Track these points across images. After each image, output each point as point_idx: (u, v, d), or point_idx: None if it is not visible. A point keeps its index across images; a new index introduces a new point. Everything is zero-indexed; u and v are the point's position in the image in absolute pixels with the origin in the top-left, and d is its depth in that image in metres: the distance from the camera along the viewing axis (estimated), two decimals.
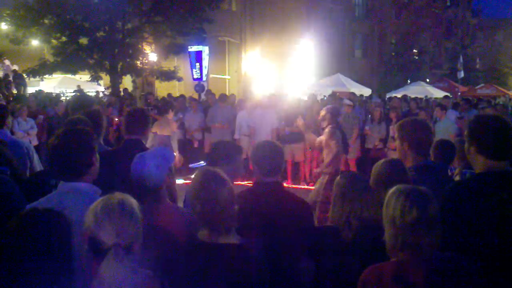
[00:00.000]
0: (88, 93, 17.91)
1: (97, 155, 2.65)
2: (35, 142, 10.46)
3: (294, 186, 10.43)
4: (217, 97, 12.68)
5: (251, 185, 3.30)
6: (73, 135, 2.59)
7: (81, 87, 20.70)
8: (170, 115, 9.39)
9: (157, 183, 2.85)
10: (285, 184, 8.90)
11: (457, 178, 4.48)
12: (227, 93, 16.15)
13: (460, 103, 14.19)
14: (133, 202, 2.05)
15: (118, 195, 2.04)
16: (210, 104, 12.89)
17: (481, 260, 2.30)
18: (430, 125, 3.38)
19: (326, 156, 6.89)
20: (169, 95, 18.07)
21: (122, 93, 18.19)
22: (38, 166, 4.48)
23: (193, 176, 2.66)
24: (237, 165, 3.43)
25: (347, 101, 11.96)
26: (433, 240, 2.15)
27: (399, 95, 20.79)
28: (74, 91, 19.58)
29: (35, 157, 4.48)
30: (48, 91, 19.16)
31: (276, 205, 3.08)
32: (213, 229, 2.49)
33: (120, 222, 1.94)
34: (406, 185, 2.31)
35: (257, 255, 2.53)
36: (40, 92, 17.95)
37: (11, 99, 15.90)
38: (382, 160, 3.23)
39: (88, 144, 2.59)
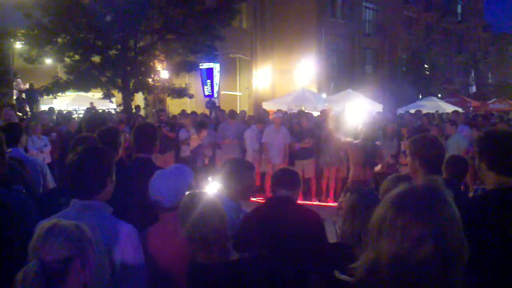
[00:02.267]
0: (99, 110, 18.09)
1: (114, 177, 2.63)
2: (48, 159, 10.54)
3: (305, 202, 10.39)
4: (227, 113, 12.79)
5: (264, 200, 3.33)
6: (91, 154, 2.58)
7: (94, 104, 20.90)
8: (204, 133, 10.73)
9: (173, 202, 2.84)
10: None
11: (470, 195, 4.44)
12: (238, 110, 16.24)
13: (474, 118, 14.12)
14: (68, 225, 1.93)
15: (56, 219, 1.97)
16: (220, 121, 12.96)
17: (492, 278, 2.28)
18: (441, 142, 3.37)
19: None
20: (183, 111, 18.18)
21: (134, 110, 18.34)
22: (51, 183, 4.52)
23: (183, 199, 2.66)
24: (250, 182, 3.45)
25: None
26: None
27: (411, 111, 20.73)
28: (87, 108, 19.78)
29: (48, 174, 4.53)
30: (60, 109, 19.36)
31: (287, 219, 3.10)
32: (206, 250, 2.50)
33: (45, 240, 1.86)
34: None
35: (254, 271, 2.52)
36: (51, 109, 18.14)
37: (25, 117, 16.09)
38: (391, 176, 3.23)
39: (105, 165, 2.57)
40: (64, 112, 17.66)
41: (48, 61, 18.82)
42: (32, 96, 18.94)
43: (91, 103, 20.80)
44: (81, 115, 17.54)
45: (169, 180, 2.86)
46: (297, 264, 3.00)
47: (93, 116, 5.89)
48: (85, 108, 20.19)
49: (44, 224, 1.93)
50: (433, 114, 19.61)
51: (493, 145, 2.58)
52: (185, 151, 11.96)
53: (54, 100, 20.56)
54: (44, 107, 19.56)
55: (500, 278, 2.35)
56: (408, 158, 3.34)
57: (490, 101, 34.80)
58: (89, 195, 2.51)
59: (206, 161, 11.95)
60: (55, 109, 18.91)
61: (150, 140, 4.06)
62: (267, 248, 2.90)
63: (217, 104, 20.54)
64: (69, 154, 2.67)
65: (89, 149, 2.66)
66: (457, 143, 9.87)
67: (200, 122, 11.49)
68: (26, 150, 9.23)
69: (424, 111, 20.19)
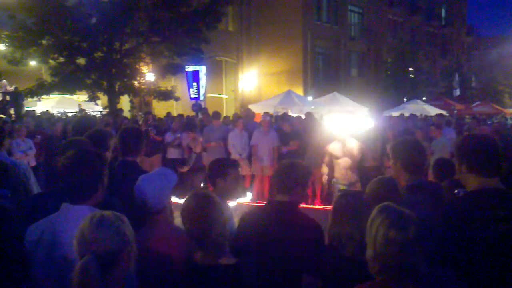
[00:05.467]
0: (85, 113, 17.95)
1: (105, 181, 2.60)
2: (33, 162, 10.43)
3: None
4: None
5: (264, 203, 3.34)
6: (82, 158, 2.55)
7: (82, 107, 20.71)
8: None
9: (160, 205, 2.86)
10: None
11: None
12: (224, 112, 16.25)
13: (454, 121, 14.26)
14: (115, 218, 2.02)
15: (101, 212, 2.05)
16: (205, 123, 12.90)
17: (475, 278, 2.32)
18: (422, 145, 3.41)
19: None
20: (168, 114, 18.14)
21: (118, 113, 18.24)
22: (35, 187, 4.45)
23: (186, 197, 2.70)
24: (234, 180, 3.48)
25: None
26: (414, 262, 2.14)
27: (395, 114, 20.89)
28: (77, 112, 19.61)
29: (32, 178, 4.46)
30: (42, 111, 19.15)
31: (285, 226, 3.08)
32: (204, 249, 2.52)
33: (97, 233, 1.95)
34: (389, 207, 2.28)
35: (249, 275, 2.54)
36: (32, 112, 17.92)
37: (9, 120, 15.90)
38: (375, 179, 3.28)
39: (96, 169, 2.55)
40: (47, 114, 17.47)
41: (33, 63, 18.64)
42: (17, 98, 18.71)
43: (79, 105, 20.63)
44: (64, 118, 17.38)
45: (154, 183, 2.88)
46: (289, 269, 3.01)
47: (80, 120, 5.82)
48: (70, 110, 20.03)
49: (94, 216, 2.00)
50: (417, 116, 19.77)
51: (472, 147, 2.65)
52: (171, 154, 11.96)
53: (38, 102, 20.37)
54: (27, 109, 19.34)
55: (484, 277, 2.38)
56: (391, 162, 3.38)
57: (474, 104, 35.16)
58: (79, 200, 2.49)
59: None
60: (36, 112, 18.70)
61: (136, 143, 4.02)
62: (262, 254, 2.91)
63: (203, 107, 20.52)
64: (59, 158, 2.64)
65: (80, 153, 2.62)
66: (442, 146, 9.97)
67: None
68: (10, 153, 9.15)
69: (407, 114, 20.37)
